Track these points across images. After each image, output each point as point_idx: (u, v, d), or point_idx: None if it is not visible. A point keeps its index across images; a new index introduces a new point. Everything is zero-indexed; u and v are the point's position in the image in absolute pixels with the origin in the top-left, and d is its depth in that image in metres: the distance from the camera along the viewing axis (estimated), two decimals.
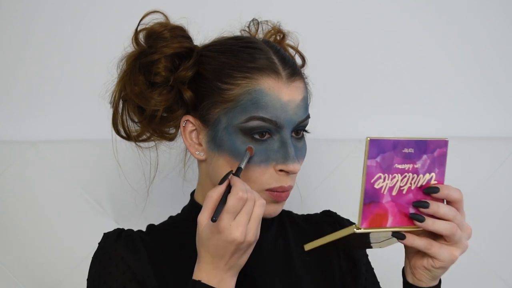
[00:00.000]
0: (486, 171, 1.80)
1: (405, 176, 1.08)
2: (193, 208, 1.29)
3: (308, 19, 1.83)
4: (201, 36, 1.29)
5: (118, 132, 1.29)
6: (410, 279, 1.19)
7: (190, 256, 1.19)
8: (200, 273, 1.12)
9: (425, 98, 1.88)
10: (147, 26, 1.26)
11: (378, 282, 1.40)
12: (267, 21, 1.37)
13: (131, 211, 1.68)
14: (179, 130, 1.27)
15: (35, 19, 1.78)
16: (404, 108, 1.87)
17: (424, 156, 1.09)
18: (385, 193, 1.07)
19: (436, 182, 1.11)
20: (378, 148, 1.05)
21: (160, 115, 1.23)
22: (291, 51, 1.36)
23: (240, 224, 1.08)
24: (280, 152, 1.18)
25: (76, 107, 1.78)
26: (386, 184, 1.07)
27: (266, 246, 1.27)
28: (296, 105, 1.20)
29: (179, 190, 1.59)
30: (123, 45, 1.27)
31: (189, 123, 1.24)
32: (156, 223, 1.33)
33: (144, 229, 1.30)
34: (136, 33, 1.26)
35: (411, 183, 1.09)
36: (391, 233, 1.10)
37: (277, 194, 1.20)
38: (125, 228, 1.27)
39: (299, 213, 1.42)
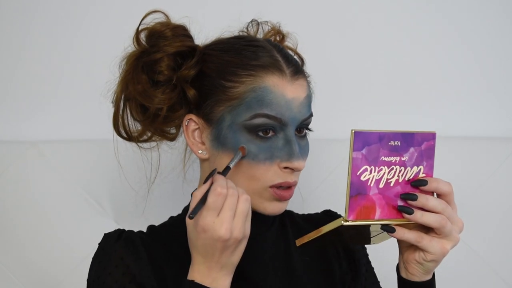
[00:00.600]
0: (486, 171, 1.79)
1: (392, 169, 1.08)
2: None
3: (307, 20, 1.83)
4: (202, 36, 1.29)
5: (119, 133, 1.29)
6: (403, 274, 1.19)
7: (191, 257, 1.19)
8: (193, 274, 1.12)
9: (425, 98, 1.88)
10: (148, 26, 1.26)
11: (378, 282, 1.40)
12: (266, 21, 1.37)
13: (131, 211, 1.68)
14: (180, 130, 1.28)
15: (35, 19, 1.78)
16: (404, 108, 1.87)
17: (411, 149, 1.09)
18: (372, 185, 1.07)
19: (424, 175, 1.11)
20: (363, 140, 1.05)
21: (164, 114, 1.23)
22: (290, 52, 1.36)
23: (224, 220, 1.08)
24: (285, 149, 1.19)
25: (76, 107, 1.78)
26: (373, 176, 1.07)
27: (266, 246, 1.27)
28: (300, 103, 1.20)
29: (179, 191, 1.59)
30: (124, 45, 1.28)
31: (191, 122, 1.24)
32: (156, 223, 1.33)
33: (144, 229, 1.30)
34: (138, 32, 1.26)
35: (398, 176, 1.09)
36: (380, 226, 1.10)
37: (281, 193, 1.20)
38: (126, 229, 1.26)
39: (300, 212, 1.43)
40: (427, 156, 1.10)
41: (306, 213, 1.44)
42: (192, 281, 1.11)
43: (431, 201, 1.09)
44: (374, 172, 1.07)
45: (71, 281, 1.66)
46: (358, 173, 1.06)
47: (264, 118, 1.17)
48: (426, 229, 1.12)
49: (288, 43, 1.37)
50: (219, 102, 1.20)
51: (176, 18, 1.27)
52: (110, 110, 1.30)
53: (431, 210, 1.09)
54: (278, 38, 1.36)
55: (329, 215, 1.41)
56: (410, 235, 1.11)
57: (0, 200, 1.67)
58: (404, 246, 1.18)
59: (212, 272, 1.11)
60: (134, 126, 1.29)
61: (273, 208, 1.22)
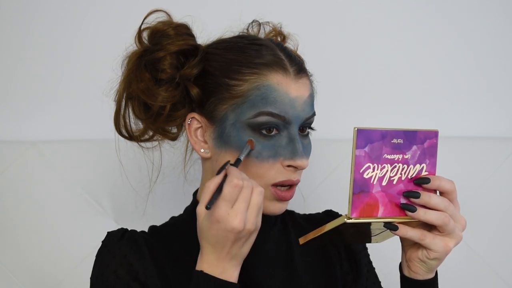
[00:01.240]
0: (486, 171, 1.80)
1: (395, 167, 1.08)
2: (195, 208, 1.28)
3: (307, 20, 1.83)
4: (204, 35, 1.29)
5: (120, 132, 1.29)
6: (406, 272, 1.19)
7: (194, 257, 1.19)
8: (202, 264, 1.11)
9: (425, 98, 1.88)
10: (150, 25, 1.26)
11: (379, 282, 1.40)
12: (268, 22, 1.37)
13: (131, 211, 1.68)
14: (182, 130, 1.27)
15: (35, 19, 1.78)
16: (404, 109, 1.88)
17: (414, 147, 1.09)
18: (374, 183, 1.07)
19: (427, 173, 1.11)
20: (366, 138, 1.05)
21: (167, 112, 1.23)
22: None
23: (238, 212, 1.08)
24: (288, 148, 1.19)
25: (76, 107, 1.78)
26: (376, 174, 1.07)
27: (268, 247, 1.27)
28: (304, 102, 1.20)
29: (180, 191, 1.59)
30: (125, 45, 1.28)
31: (194, 121, 1.24)
32: (157, 223, 1.33)
33: (144, 229, 1.30)
34: (140, 31, 1.26)
35: (401, 174, 1.09)
36: (383, 224, 1.10)
37: (281, 193, 1.20)
38: (128, 228, 1.26)
39: (301, 212, 1.43)
40: (429, 154, 1.10)
41: (307, 212, 1.44)
42: (201, 271, 1.11)
43: (434, 199, 1.09)
44: (377, 169, 1.07)
45: (71, 281, 1.66)
46: (361, 171, 1.06)
47: (268, 116, 1.17)
48: (429, 227, 1.12)
49: (289, 44, 1.37)
50: (223, 100, 1.20)
51: (178, 18, 1.27)
52: (111, 110, 1.29)
53: (433, 208, 1.09)
54: (279, 39, 1.36)
55: (330, 215, 1.41)
56: (413, 233, 1.11)
57: (0, 200, 1.67)
58: (407, 244, 1.18)
59: (222, 262, 1.10)
60: (136, 125, 1.28)
61: (273, 208, 1.22)
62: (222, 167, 1.12)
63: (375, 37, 1.87)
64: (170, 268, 1.22)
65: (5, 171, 1.67)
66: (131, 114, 1.27)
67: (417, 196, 1.09)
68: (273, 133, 1.19)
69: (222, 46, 1.25)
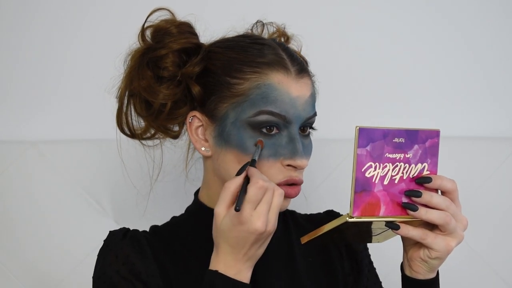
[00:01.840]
0: (486, 171, 1.80)
1: (397, 166, 1.08)
2: (197, 208, 1.28)
3: (308, 20, 1.83)
4: (207, 34, 1.29)
5: (122, 130, 1.29)
6: (407, 272, 1.19)
7: (195, 257, 1.19)
8: (218, 264, 1.11)
9: (425, 98, 1.89)
10: (153, 23, 1.26)
11: (380, 282, 1.40)
12: (271, 23, 1.37)
13: (131, 211, 1.68)
14: (183, 128, 1.27)
15: (35, 19, 1.78)
16: (404, 109, 1.88)
17: (416, 146, 1.09)
18: (376, 182, 1.07)
19: (429, 172, 1.11)
20: (367, 137, 1.05)
21: (168, 109, 1.23)
22: None
23: (261, 214, 1.08)
24: (288, 147, 1.19)
25: (76, 107, 1.78)
26: (377, 173, 1.07)
27: (270, 247, 1.27)
28: (305, 101, 1.20)
29: (180, 190, 1.59)
30: (126, 44, 1.27)
31: (195, 119, 1.24)
32: (157, 222, 1.33)
33: (145, 229, 1.30)
34: (143, 29, 1.26)
35: (403, 173, 1.09)
36: (385, 223, 1.10)
37: (288, 190, 1.19)
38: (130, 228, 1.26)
39: (302, 211, 1.43)
40: (431, 153, 1.10)
41: (308, 212, 1.44)
42: (216, 271, 1.11)
43: (436, 198, 1.09)
44: (379, 168, 1.07)
45: (71, 281, 1.66)
46: (362, 170, 1.06)
47: (268, 115, 1.17)
48: (431, 227, 1.12)
49: (293, 45, 1.37)
50: (224, 98, 1.20)
51: (181, 16, 1.27)
52: (111, 110, 1.30)
53: (435, 207, 1.09)
54: (282, 40, 1.36)
55: (331, 215, 1.41)
56: (414, 232, 1.11)
57: (0, 200, 1.67)
58: (409, 244, 1.18)
59: (238, 263, 1.11)
60: (138, 123, 1.28)
61: None
62: (242, 168, 1.13)
63: (376, 37, 1.87)
64: (171, 267, 1.22)
65: (5, 171, 1.67)
66: (133, 111, 1.27)
67: (419, 195, 1.09)
68: (273, 132, 1.19)
69: (225, 44, 1.25)
